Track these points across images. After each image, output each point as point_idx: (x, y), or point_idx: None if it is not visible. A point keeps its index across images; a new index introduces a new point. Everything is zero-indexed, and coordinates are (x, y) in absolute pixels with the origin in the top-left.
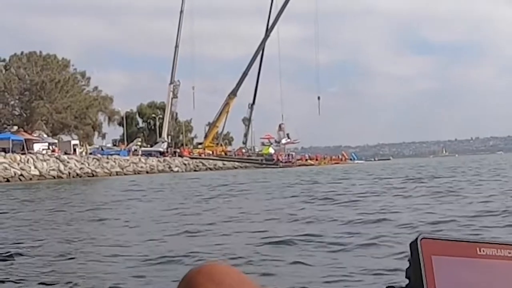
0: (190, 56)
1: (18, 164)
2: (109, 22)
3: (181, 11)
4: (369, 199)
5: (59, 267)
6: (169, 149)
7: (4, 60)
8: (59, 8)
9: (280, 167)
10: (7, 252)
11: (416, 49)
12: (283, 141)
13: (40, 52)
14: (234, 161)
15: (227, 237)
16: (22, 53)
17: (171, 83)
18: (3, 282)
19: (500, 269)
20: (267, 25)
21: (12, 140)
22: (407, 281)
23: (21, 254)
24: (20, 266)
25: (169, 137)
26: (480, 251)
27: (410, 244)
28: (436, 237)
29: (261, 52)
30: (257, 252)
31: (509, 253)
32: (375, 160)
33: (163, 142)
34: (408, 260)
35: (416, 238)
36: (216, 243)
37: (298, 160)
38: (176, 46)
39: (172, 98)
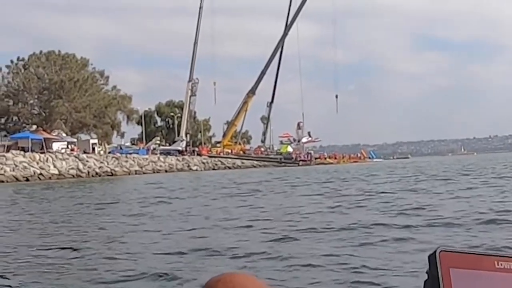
0: (209, 54)
1: (38, 163)
2: (127, 22)
3: (200, 7)
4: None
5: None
6: (187, 148)
7: (23, 60)
8: (77, 7)
9: (299, 166)
10: None
11: (433, 46)
12: (304, 139)
13: (59, 51)
14: (252, 159)
15: None
16: (40, 52)
17: (189, 80)
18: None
19: None
20: (286, 23)
21: (32, 139)
22: None
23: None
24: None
25: (188, 135)
26: (498, 264)
27: (429, 257)
28: (455, 250)
29: (280, 51)
30: None
31: None
32: (393, 158)
33: (181, 141)
34: (426, 272)
35: (435, 251)
36: None
37: (316, 158)
38: (195, 43)
39: (190, 96)
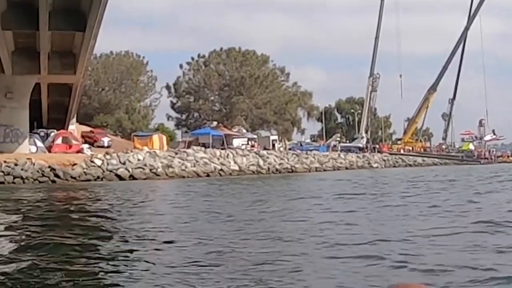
0: (390, 52)
1: (218, 159)
2: (307, 20)
3: (381, 3)
4: None
5: None
6: (368, 145)
7: (203, 57)
8: (258, 5)
9: (481, 164)
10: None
11: None
12: (487, 137)
13: (239, 48)
14: (433, 157)
15: None
16: (221, 49)
17: (370, 76)
18: None
19: None
20: (468, 18)
21: (212, 136)
22: None
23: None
24: None
25: (368, 132)
26: None
27: None
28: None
29: (462, 47)
30: None
31: None
32: None
33: (362, 138)
34: None
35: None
36: None
37: (498, 157)
38: (376, 38)
39: (371, 92)
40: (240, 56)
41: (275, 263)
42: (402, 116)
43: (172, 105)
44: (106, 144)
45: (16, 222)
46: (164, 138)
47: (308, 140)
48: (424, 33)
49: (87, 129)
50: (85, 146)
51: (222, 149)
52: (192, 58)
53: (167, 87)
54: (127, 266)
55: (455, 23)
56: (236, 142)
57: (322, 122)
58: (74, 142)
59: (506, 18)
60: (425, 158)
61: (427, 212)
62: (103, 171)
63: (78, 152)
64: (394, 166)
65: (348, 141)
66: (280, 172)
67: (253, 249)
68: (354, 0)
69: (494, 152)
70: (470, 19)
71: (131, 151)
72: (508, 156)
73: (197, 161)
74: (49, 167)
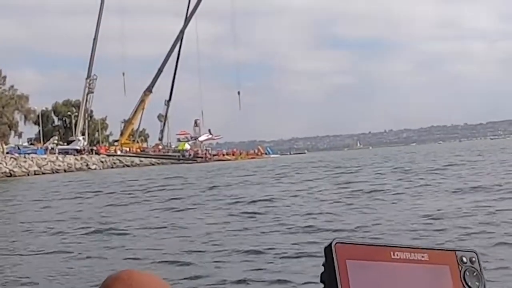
0: (110, 53)
1: None
2: (19, 22)
3: (101, 7)
4: None
5: None
6: (85, 147)
7: None
8: None
9: (197, 163)
10: None
11: (330, 45)
12: (203, 137)
13: None
14: (151, 157)
15: None
16: None
17: (88, 77)
18: None
19: (413, 273)
20: (184, 21)
21: None
22: (322, 285)
23: None
24: None
25: (84, 134)
26: (394, 255)
27: (325, 249)
28: (351, 242)
29: (178, 49)
30: None
31: (422, 257)
32: (290, 154)
33: (79, 140)
34: (323, 265)
35: (330, 243)
36: None
37: (214, 155)
38: (95, 39)
39: (87, 94)
40: None
41: None
42: (119, 117)
43: None
44: None
45: None
46: None
47: (26, 144)
48: (144, 35)
49: None
50: None
51: None
52: None
53: None
54: None
55: (170, 26)
56: None
57: (39, 125)
58: None
59: (218, 21)
60: (142, 159)
61: None
62: None
63: None
64: (112, 167)
65: (65, 144)
66: None
67: None
68: (72, 2)
69: (210, 151)
70: (185, 24)
71: None
72: (223, 155)
73: None
74: None
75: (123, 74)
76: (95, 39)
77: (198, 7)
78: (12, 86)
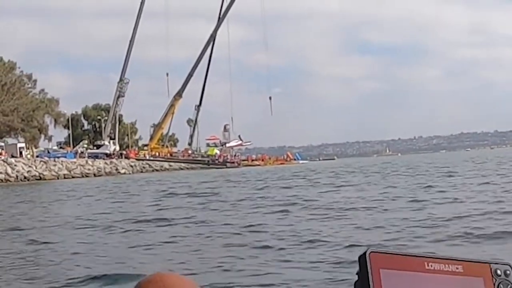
0: (138, 57)
1: None
2: (51, 25)
3: (140, 9)
4: None
5: None
6: (115, 151)
7: None
8: (2, 9)
9: (227, 168)
10: None
11: (360, 50)
12: (233, 142)
13: None
14: (180, 162)
15: None
16: None
17: (120, 80)
18: None
19: (447, 284)
20: (216, 25)
21: None
22: None
23: None
24: None
25: (112, 138)
26: (428, 265)
27: (359, 258)
28: (385, 251)
29: (209, 53)
30: None
31: (457, 268)
32: (319, 160)
33: (108, 144)
34: (357, 274)
35: (365, 252)
36: None
37: (243, 160)
38: (131, 42)
39: (118, 98)
40: None
41: None
42: (149, 121)
43: None
44: None
45: None
46: None
47: (56, 147)
48: (173, 39)
49: None
50: None
51: None
52: None
53: None
54: None
55: (200, 31)
56: None
57: (69, 129)
58: None
59: (248, 25)
60: (171, 163)
61: None
62: None
63: None
64: (142, 172)
65: (94, 148)
66: (28, 180)
67: None
68: (105, 4)
69: (239, 156)
70: (215, 28)
71: None
72: (252, 160)
73: None
74: None
75: (167, 74)
76: (131, 41)
77: (229, 10)
78: (42, 90)
